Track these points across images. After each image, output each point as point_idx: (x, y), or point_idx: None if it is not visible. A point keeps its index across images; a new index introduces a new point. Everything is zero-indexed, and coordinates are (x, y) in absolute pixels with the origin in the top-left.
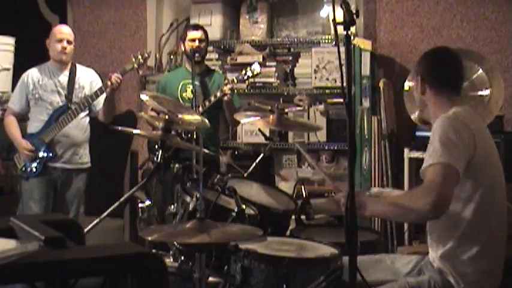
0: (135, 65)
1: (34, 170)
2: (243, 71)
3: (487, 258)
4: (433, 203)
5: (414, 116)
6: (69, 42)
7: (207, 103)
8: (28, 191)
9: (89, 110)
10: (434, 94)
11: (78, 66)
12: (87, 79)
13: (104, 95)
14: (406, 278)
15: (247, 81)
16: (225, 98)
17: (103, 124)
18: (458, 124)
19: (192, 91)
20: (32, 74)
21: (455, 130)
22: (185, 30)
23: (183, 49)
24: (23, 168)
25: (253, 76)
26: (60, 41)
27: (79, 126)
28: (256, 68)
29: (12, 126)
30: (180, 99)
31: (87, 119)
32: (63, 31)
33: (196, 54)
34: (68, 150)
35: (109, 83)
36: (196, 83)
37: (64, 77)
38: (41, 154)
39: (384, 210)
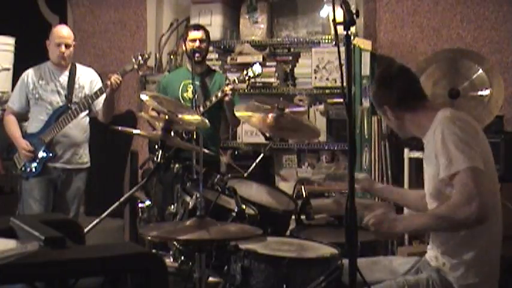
0: (135, 66)
1: (34, 170)
2: (244, 71)
3: (485, 257)
4: (477, 211)
5: None
6: (67, 46)
7: (208, 103)
8: (28, 191)
9: (89, 110)
10: (409, 113)
11: (78, 65)
12: (87, 79)
13: (103, 95)
14: (404, 276)
15: (248, 82)
16: (226, 98)
17: (103, 124)
18: (462, 122)
19: (192, 91)
20: (32, 74)
21: (462, 129)
22: (186, 30)
23: (184, 49)
24: (23, 168)
25: (254, 76)
26: (59, 45)
27: (79, 126)
28: (257, 68)
29: (12, 125)
30: (181, 99)
31: (87, 119)
32: (62, 34)
33: (197, 55)
34: (68, 151)
35: (108, 83)
36: (197, 83)
37: (64, 77)
38: (40, 154)
39: (423, 224)
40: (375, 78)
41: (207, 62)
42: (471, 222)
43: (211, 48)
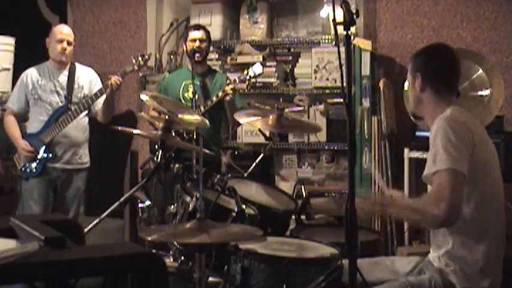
0: (135, 67)
1: (34, 170)
2: (245, 71)
3: (487, 258)
4: (445, 212)
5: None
6: (69, 43)
7: (209, 103)
8: (28, 191)
9: (88, 110)
10: (433, 93)
11: (77, 65)
12: (87, 78)
13: (103, 96)
14: (406, 277)
15: (249, 82)
16: (227, 98)
17: (103, 124)
18: (457, 125)
19: (193, 91)
20: (31, 74)
21: (455, 132)
22: (186, 31)
23: (185, 49)
24: (23, 169)
25: (255, 76)
26: (61, 41)
27: (79, 127)
28: (258, 68)
29: (11, 126)
30: (182, 100)
31: (87, 119)
32: (64, 31)
33: (197, 55)
34: (68, 151)
35: (109, 83)
36: (198, 83)
37: (63, 77)
38: (40, 155)
39: (403, 216)
40: (434, 46)
41: (208, 62)
42: (437, 222)
43: (211, 48)
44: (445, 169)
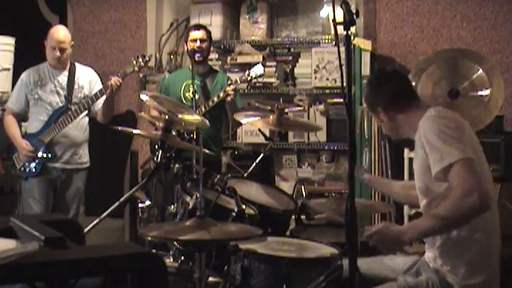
0: (136, 68)
1: (33, 170)
2: (246, 72)
3: (480, 253)
4: (479, 200)
5: None
6: (62, 50)
7: (210, 103)
8: (28, 191)
9: (88, 110)
10: (402, 113)
11: (77, 65)
12: (86, 78)
13: (103, 96)
14: (405, 277)
15: (250, 82)
16: (228, 98)
17: (103, 124)
18: (445, 119)
19: (193, 91)
20: (31, 74)
21: (446, 124)
22: (187, 31)
23: (186, 49)
24: (22, 168)
25: (257, 77)
26: (54, 48)
27: (78, 127)
28: (259, 69)
29: (11, 126)
30: (183, 100)
31: (87, 119)
32: (58, 38)
33: (197, 55)
34: (68, 151)
35: (109, 84)
36: (198, 83)
37: (63, 77)
38: (40, 155)
39: (430, 227)
40: (367, 82)
41: (208, 62)
42: (476, 212)
43: (211, 48)
44: (457, 161)
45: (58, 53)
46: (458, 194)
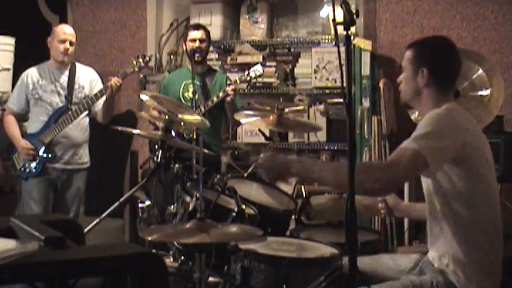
0: (136, 68)
1: (33, 170)
2: (246, 72)
3: (489, 258)
4: (386, 181)
5: (414, 116)
6: (71, 43)
7: (209, 103)
8: (28, 191)
9: (88, 110)
10: (437, 90)
11: (77, 65)
12: (87, 78)
13: (104, 97)
14: (409, 276)
15: (249, 82)
16: (228, 98)
17: (103, 124)
18: (447, 122)
19: (193, 91)
20: (32, 74)
21: (442, 127)
22: (186, 30)
23: (185, 49)
24: (22, 169)
25: (256, 77)
26: (63, 41)
27: (79, 127)
28: (259, 69)
29: (11, 126)
30: (182, 99)
31: (87, 119)
32: (67, 32)
33: (197, 55)
34: (68, 151)
35: (109, 85)
36: (198, 83)
37: (64, 77)
38: (40, 155)
39: (315, 171)
40: (434, 37)
41: (208, 62)
42: (374, 187)
43: (211, 48)
44: (413, 148)
45: (68, 45)
46: (382, 164)
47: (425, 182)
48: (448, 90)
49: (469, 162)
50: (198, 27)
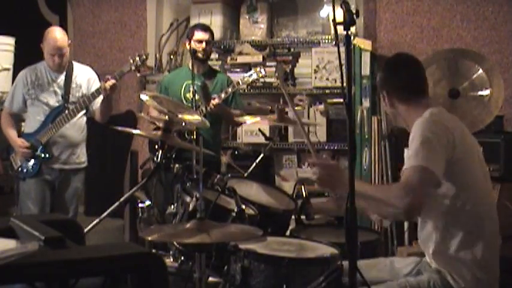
0: (132, 67)
1: (30, 170)
2: (247, 74)
3: (484, 258)
4: (408, 206)
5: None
6: (62, 55)
7: (208, 109)
8: (25, 192)
9: (86, 109)
10: (402, 104)
11: (74, 64)
12: (84, 77)
13: (101, 95)
14: (406, 277)
15: (253, 83)
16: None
17: (101, 123)
18: (436, 125)
19: (193, 92)
20: (28, 74)
21: (433, 132)
22: (192, 30)
23: (188, 48)
24: (19, 169)
25: (258, 79)
26: (53, 55)
27: (76, 127)
28: (260, 70)
29: (8, 125)
30: (183, 100)
31: (84, 118)
32: (56, 45)
33: (200, 53)
34: (65, 151)
35: (103, 87)
36: (199, 83)
37: (61, 77)
38: (37, 154)
39: (363, 191)
40: (388, 59)
41: (208, 62)
42: (397, 215)
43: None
44: (417, 165)
45: (58, 60)
46: (397, 189)
47: None
48: (415, 99)
49: (460, 160)
50: (205, 28)
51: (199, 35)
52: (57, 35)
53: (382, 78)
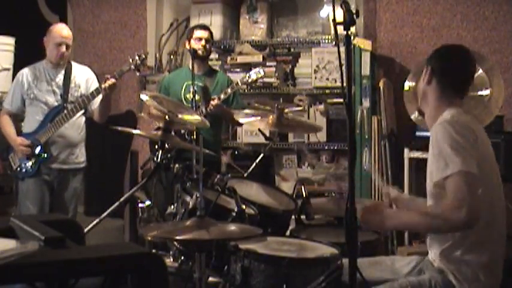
0: (132, 66)
1: (29, 170)
2: (247, 74)
3: (491, 260)
4: (467, 215)
5: (414, 116)
6: (67, 47)
7: (208, 109)
8: (24, 192)
9: (85, 109)
10: (438, 89)
11: (73, 64)
12: (83, 77)
13: (100, 95)
14: (407, 277)
15: (252, 84)
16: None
17: (100, 123)
18: (461, 126)
19: (193, 92)
20: (27, 74)
21: (461, 134)
22: (192, 29)
23: (188, 47)
24: (18, 169)
25: (257, 79)
26: (60, 45)
27: (75, 127)
28: (260, 71)
29: (7, 125)
30: (184, 101)
31: (83, 118)
32: (64, 34)
33: (200, 52)
34: (64, 151)
35: (103, 86)
36: (200, 84)
37: (60, 76)
38: (36, 153)
39: (413, 223)
40: (454, 47)
41: (208, 62)
42: (460, 226)
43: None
44: (458, 172)
45: (64, 49)
46: (450, 204)
47: (429, 180)
48: (450, 92)
49: (481, 163)
50: (205, 27)
51: (198, 33)
52: (63, 26)
53: (438, 57)
